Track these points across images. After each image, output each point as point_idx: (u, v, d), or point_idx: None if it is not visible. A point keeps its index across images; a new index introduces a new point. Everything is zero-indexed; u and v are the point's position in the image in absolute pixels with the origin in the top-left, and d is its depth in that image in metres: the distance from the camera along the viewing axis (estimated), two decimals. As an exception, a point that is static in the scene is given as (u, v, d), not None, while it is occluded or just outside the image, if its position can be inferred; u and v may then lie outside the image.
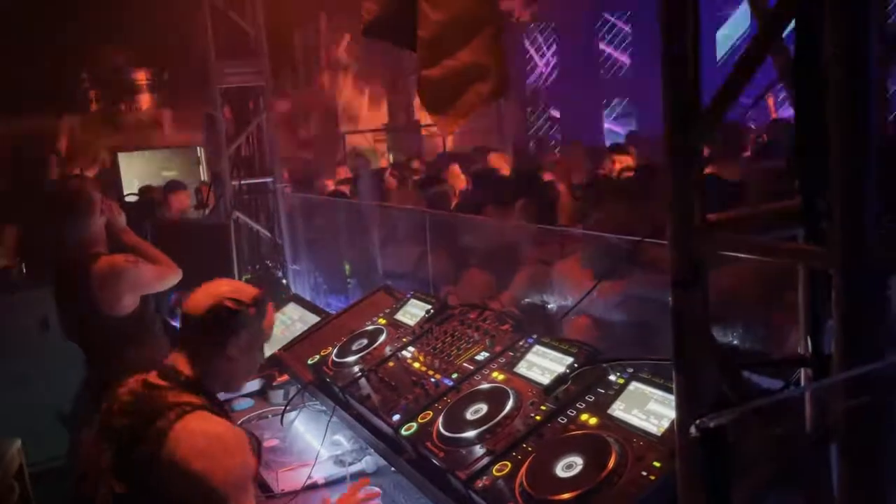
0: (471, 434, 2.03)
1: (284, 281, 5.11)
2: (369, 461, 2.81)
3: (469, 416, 2.12)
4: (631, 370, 1.94)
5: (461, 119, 3.05)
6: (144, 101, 11.56)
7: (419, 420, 2.23)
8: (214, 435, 1.93)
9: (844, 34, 1.01)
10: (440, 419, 2.16)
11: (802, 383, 1.42)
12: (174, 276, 3.55)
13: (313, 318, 3.87)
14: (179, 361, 2.10)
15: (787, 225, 1.35)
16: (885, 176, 1.04)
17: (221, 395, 2.75)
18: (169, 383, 2.04)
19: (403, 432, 2.22)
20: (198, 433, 1.91)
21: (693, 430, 0.86)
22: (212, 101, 4.80)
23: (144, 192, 6.86)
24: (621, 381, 1.94)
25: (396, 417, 2.30)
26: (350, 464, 2.85)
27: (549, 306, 3.19)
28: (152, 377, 2.09)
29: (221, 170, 4.94)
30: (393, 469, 2.45)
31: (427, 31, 2.82)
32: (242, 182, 5.07)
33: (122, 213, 3.61)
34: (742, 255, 1.23)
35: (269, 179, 5.16)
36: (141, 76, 11.21)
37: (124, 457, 1.94)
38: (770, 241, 1.21)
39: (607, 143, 10.34)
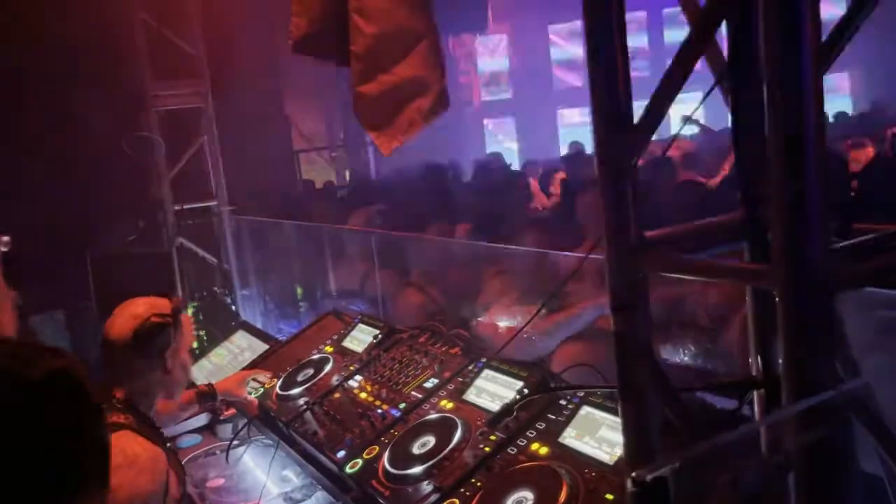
0: (417, 470, 1.92)
1: (234, 308, 4.93)
2: (320, 498, 2.68)
3: (416, 449, 2.00)
4: (581, 394, 1.84)
5: (402, 136, 2.94)
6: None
7: (364, 456, 2.11)
8: (130, 454, 1.94)
9: (778, 33, 0.93)
10: (386, 454, 2.04)
11: (755, 405, 1.35)
12: None
13: (262, 346, 3.73)
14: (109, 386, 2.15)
15: (731, 238, 1.28)
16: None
17: (168, 431, 2.68)
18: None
19: (348, 470, 2.09)
20: (115, 451, 1.85)
21: (630, 484, 0.76)
22: (148, 124, 4.62)
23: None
24: (572, 405, 1.85)
25: (341, 454, 2.18)
26: (300, 501, 2.72)
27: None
28: None
29: (162, 195, 4.76)
30: (344, 507, 2.32)
31: (360, 46, 2.71)
32: (185, 207, 4.90)
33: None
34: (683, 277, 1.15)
35: (213, 203, 4.99)
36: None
37: None
38: (712, 261, 1.12)
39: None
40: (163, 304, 2.24)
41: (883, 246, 1.01)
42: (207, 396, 2.83)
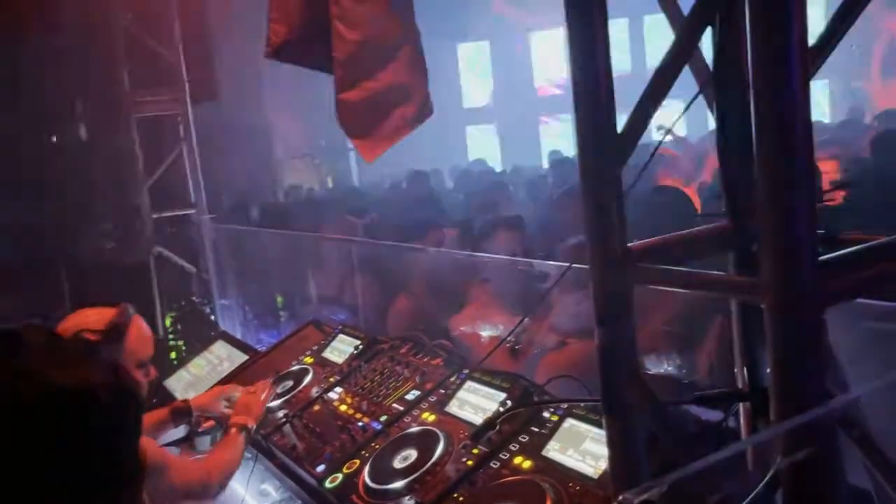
0: (399, 484, 1.87)
1: (213, 317, 4.86)
2: (299, 512, 2.62)
3: (397, 463, 1.96)
4: (565, 406, 1.81)
5: (386, 143, 2.91)
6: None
7: (344, 470, 2.06)
8: None
9: (765, 39, 0.91)
10: (366, 469, 2.00)
11: (741, 417, 1.33)
12: None
13: (241, 357, 3.66)
14: None
15: (717, 249, 1.26)
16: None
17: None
18: None
19: (328, 484, 2.05)
20: None
21: (616, 508, 0.73)
22: (127, 131, 4.55)
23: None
24: (555, 417, 1.82)
25: (321, 468, 2.13)
26: (279, 515, 2.67)
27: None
28: None
29: (140, 202, 4.68)
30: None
31: (343, 53, 2.68)
32: (163, 215, 4.82)
33: None
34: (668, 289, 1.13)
35: (191, 211, 4.92)
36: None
37: None
38: (697, 273, 1.09)
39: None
40: (106, 318, 2.17)
41: (870, 257, 0.99)
42: (183, 413, 2.75)
